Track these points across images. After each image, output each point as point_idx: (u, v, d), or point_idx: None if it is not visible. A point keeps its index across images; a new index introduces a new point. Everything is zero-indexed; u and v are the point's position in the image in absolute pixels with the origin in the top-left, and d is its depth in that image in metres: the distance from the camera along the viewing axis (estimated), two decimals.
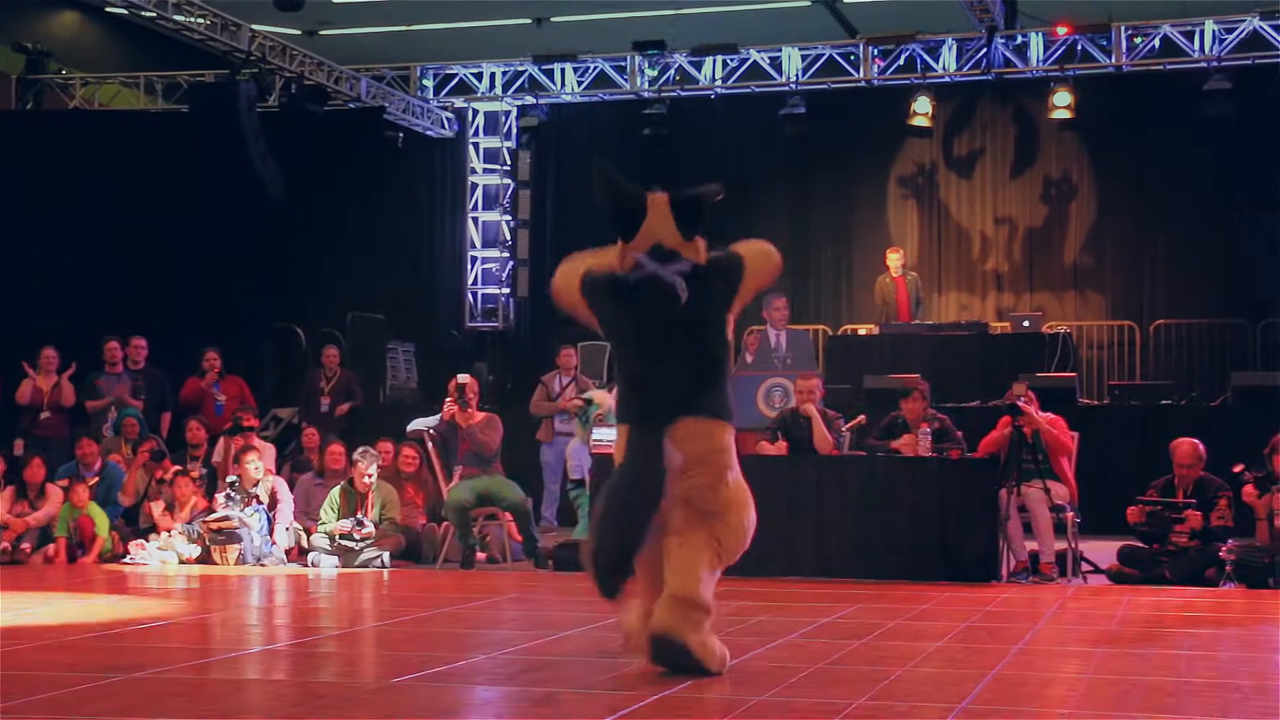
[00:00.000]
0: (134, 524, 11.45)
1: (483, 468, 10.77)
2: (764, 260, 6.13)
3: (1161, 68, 16.66)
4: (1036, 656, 6.28)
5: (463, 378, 11.01)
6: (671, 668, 5.56)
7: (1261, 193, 16.58)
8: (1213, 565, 9.19)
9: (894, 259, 15.98)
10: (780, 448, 10.27)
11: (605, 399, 11.16)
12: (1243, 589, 8.96)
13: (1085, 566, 9.78)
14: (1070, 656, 6.31)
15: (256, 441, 11.93)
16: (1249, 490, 9.30)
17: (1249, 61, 16.27)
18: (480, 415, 10.96)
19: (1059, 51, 16.71)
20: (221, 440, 12.27)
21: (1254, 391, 13.01)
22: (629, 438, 5.84)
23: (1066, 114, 16.78)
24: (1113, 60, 16.65)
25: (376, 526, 10.70)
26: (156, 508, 11.26)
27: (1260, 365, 14.97)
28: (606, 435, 10.55)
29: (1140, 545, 9.62)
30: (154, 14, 15.25)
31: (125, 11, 16.34)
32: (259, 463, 11.22)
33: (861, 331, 16.72)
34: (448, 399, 10.89)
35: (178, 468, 11.61)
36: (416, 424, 11.39)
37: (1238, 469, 9.42)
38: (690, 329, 5.84)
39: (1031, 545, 9.69)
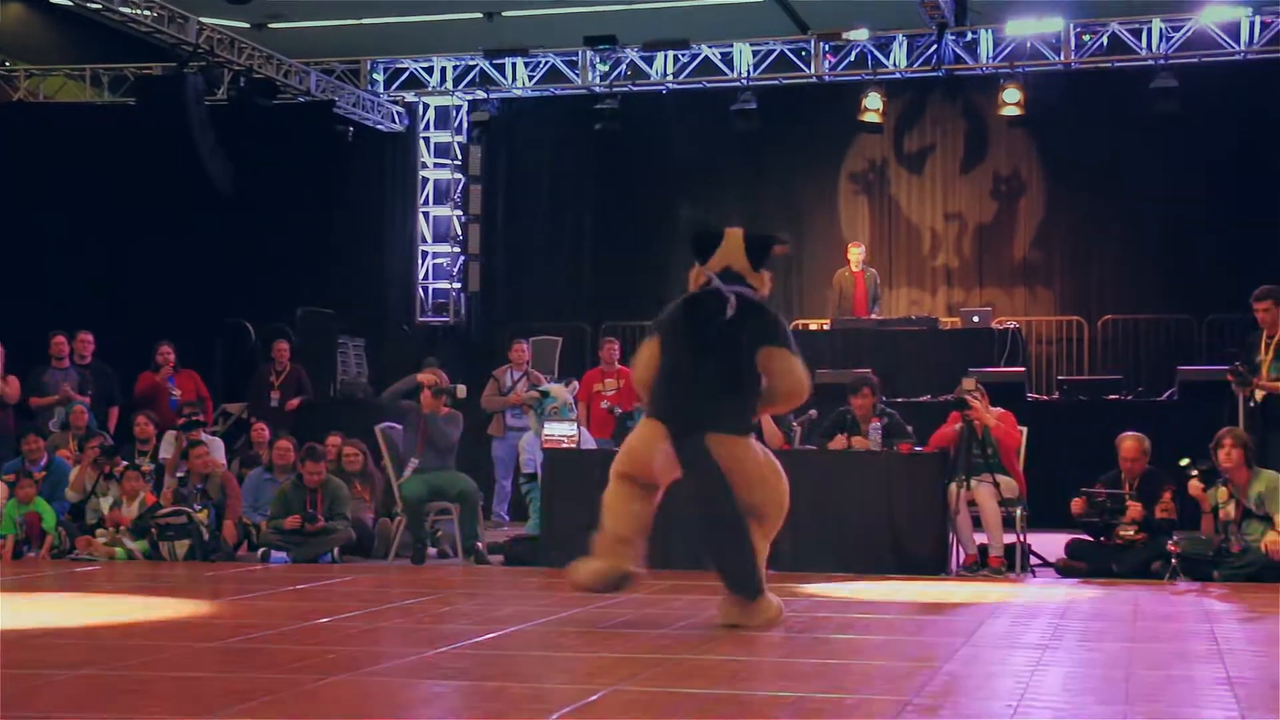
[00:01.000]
0: (81, 519, 11.34)
1: (439, 462, 10.72)
2: (791, 384, 6.78)
3: (1109, 65, 16.81)
4: (985, 650, 6.32)
5: (432, 374, 10.93)
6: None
7: (1207, 189, 16.78)
8: (1158, 559, 9.28)
9: (855, 253, 16.06)
10: None
11: (561, 392, 11.16)
12: (1188, 582, 9.05)
13: (1034, 560, 9.85)
14: (1019, 649, 6.36)
15: (205, 436, 11.85)
16: (1194, 484, 9.39)
17: (1195, 59, 16.44)
18: (445, 410, 10.91)
19: (1008, 49, 16.82)
20: (170, 435, 12.19)
21: (1200, 386, 13.14)
22: (666, 437, 6.59)
23: (1016, 110, 16.92)
24: (1061, 58, 16.78)
25: (326, 521, 10.65)
26: (104, 503, 11.16)
27: (1206, 360, 15.12)
28: (558, 430, 10.55)
29: (1088, 539, 9.71)
30: (100, 5, 15.14)
31: (71, 3, 16.21)
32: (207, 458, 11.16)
33: (813, 326, 16.76)
34: (424, 388, 10.73)
35: (126, 463, 11.52)
36: (396, 388, 11.19)
37: (1184, 463, 9.51)
38: (728, 343, 6.60)
39: (981, 539, 9.76)
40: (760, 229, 7.29)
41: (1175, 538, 9.36)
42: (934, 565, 9.57)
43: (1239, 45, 16.37)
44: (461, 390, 11.04)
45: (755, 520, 6.66)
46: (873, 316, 15.78)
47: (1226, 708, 4.85)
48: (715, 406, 6.60)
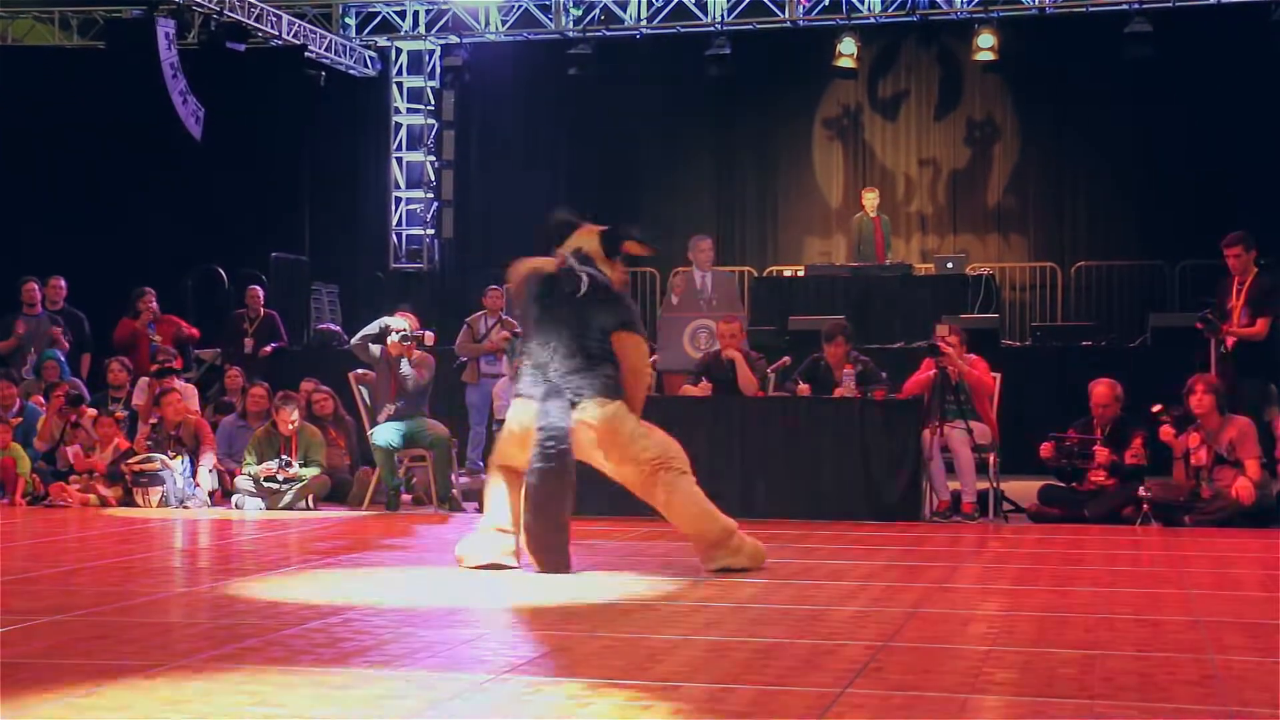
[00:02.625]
0: (54, 465, 11.31)
1: (412, 409, 10.67)
2: (635, 366, 7.09)
3: (1084, 10, 16.78)
4: (959, 594, 6.37)
5: (404, 323, 10.83)
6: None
7: (1181, 135, 16.78)
8: (1130, 504, 9.35)
9: (869, 198, 16.04)
10: (704, 389, 10.31)
11: None
12: (1159, 527, 9.12)
13: (1006, 506, 9.91)
14: (992, 594, 6.41)
15: (178, 383, 11.81)
16: (1166, 430, 9.44)
17: (1170, 4, 16.42)
18: (416, 353, 10.85)
19: None
20: (143, 381, 12.14)
21: (1172, 333, 13.19)
22: (530, 414, 6.88)
23: (990, 56, 16.88)
24: (1036, 2, 16.74)
25: (301, 468, 10.64)
26: (72, 452, 11.12)
27: (1178, 307, 15.18)
28: None
29: (1060, 484, 9.77)
30: None
31: None
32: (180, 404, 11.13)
33: (786, 273, 16.78)
34: (396, 333, 10.63)
35: (94, 411, 11.47)
36: (364, 333, 11.01)
37: (1156, 409, 9.56)
38: (579, 318, 6.96)
39: (954, 485, 9.81)
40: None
41: (1147, 483, 9.43)
42: (907, 511, 9.62)
43: None
44: (429, 337, 10.95)
45: (669, 471, 6.90)
46: (887, 261, 15.76)
47: (1197, 650, 4.90)
48: (579, 377, 6.89)
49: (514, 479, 7.05)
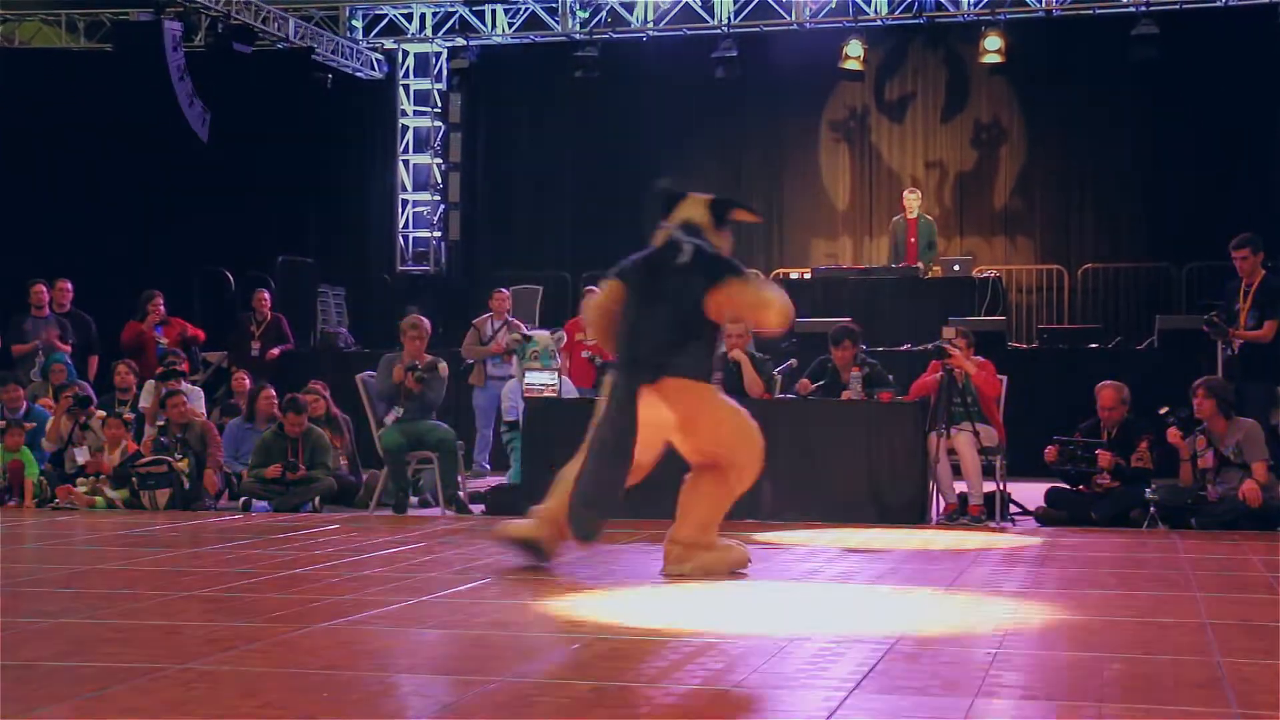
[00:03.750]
0: (61, 468, 11.32)
1: (420, 413, 10.68)
2: (748, 301, 6.84)
3: (1091, 12, 16.78)
4: (965, 597, 6.36)
5: (414, 322, 10.82)
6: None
7: (1188, 137, 16.77)
8: (1137, 507, 9.34)
9: (910, 199, 15.95)
10: None
11: (544, 338, 11.13)
12: (1166, 530, 9.11)
13: (1013, 509, 9.90)
14: (998, 598, 6.40)
15: (185, 386, 11.82)
16: (1173, 432, 9.44)
17: (1176, 6, 16.41)
18: (427, 357, 10.84)
19: None
20: (149, 384, 12.15)
21: (1179, 335, 13.19)
22: (613, 380, 6.72)
23: (997, 58, 16.88)
24: (1043, 5, 16.74)
25: (308, 470, 10.64)
26: (81, 454, 11.14)
27: (1185, 309, 15.17)
28: (539, 379, 10.55)
29: (1066, 487, 9.76)
30: None
31: None
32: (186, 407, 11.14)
33: (793, 275, 16.77)
34: (401, 361, 10.61)
35: (102, 413, 11.48)
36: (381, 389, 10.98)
37: (1163, 411, 9.55)
38: (682, 291, 6.67)
39: (961, 488, 9.80)
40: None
41: (1154, 486, 9.42)
42: (914, 514, 9.62)
43: None
44: (443, 368, 10.92)
45: (720, 470, 6.76)
46: (920, 265, 15.65)
47: (1203, 653, 4.89)
48: (669, 353, 6.67)
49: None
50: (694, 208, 7.00)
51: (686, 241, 6.79)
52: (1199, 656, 4.85)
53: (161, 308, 13.58)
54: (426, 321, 11.02)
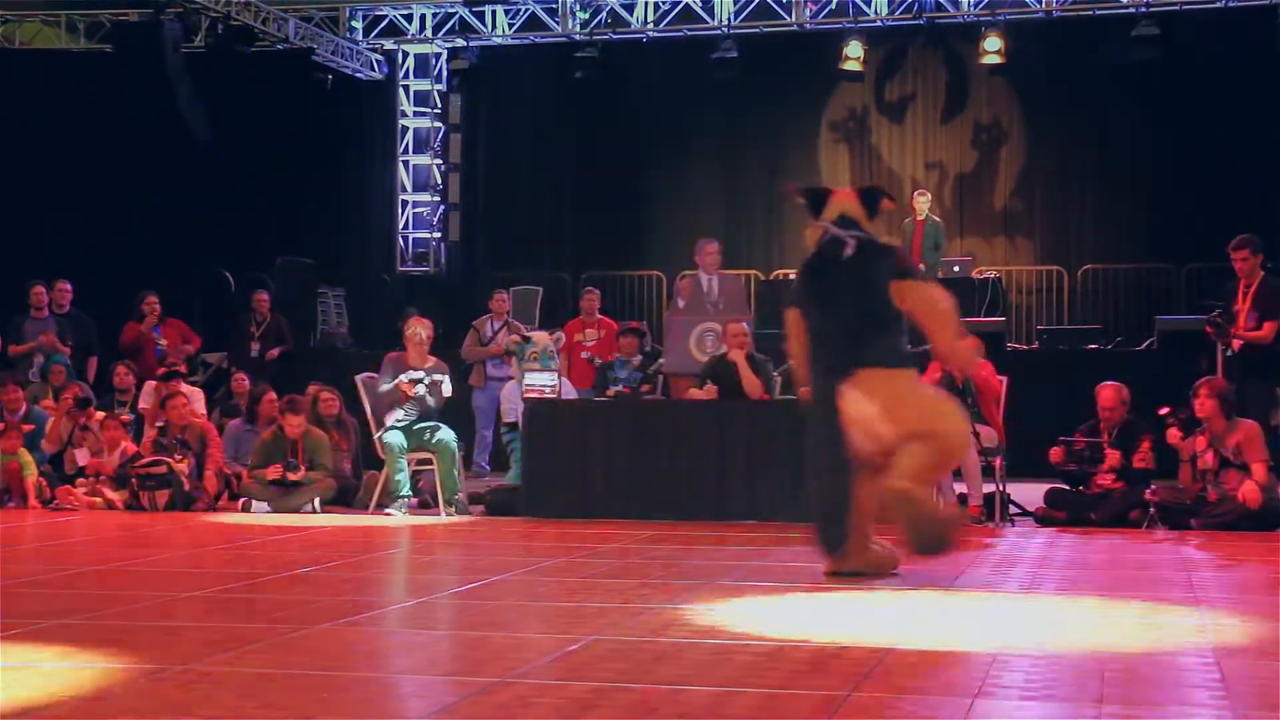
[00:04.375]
0: (60, 470, 11.32)
1: (422, 417, 10.66)
2: (932, 311, 6.79)
3: (1091, 13, 16.78)
4: (965, 597, 6.36)
5: (417, 330, 10.78)
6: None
7: (1188, 138, 16.77)
8: (1137, 507, 9.33)
9: (920, 201, 15.86)
10: (710, 392, 10.30)
11: (544, 339, 11.12)
12: (1166, 530, 9.11)
13: (1013, 509, 9.89)
14: (998, 598, 6.40)
15: (185, 386, 11.82)
16: (1173, 433, 9.43)
17: (1176, 7, 16.41)
18: (432, 360, 10.81)
19: None
20: (149, 385, 12.16)
21: (1179, 336, 13.18)
22: (814, 383, 6.80)
23: (997, 59, 16.88)
24: (1043, 6, 16.74)
25: (307, 472, 10.64)
26: (81, 455, 11.14)
27: (1185, 310, 15.16)
28: (539, 380, 10.54)
29: (1066, 488, 9.75)
30: None
31: None
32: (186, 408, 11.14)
33: (793, 276, 16.74)
34: (403, 376, 10.58)
35: (102, 414, 11.48)
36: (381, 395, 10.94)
37: (1163, 412, 9.55)
38: (856, 283, 6.69)
39: (960, 488, 9.79)
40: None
41: (1153, 487, 9.42)
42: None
43: None
44: (447, 388, 10.87)
45: (924, 441, 6.49)
46: (923, 266, 15.58)
47: (1201, 652, 4.89)
48: (861, 345, 6.65)
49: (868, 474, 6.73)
50: (845, 202, 6.99)
51: (846, 235, 6.77)
52: (1199, 659, 4.85)
53: (157, 307, 13.58)
54: (429, 327, 10.95)
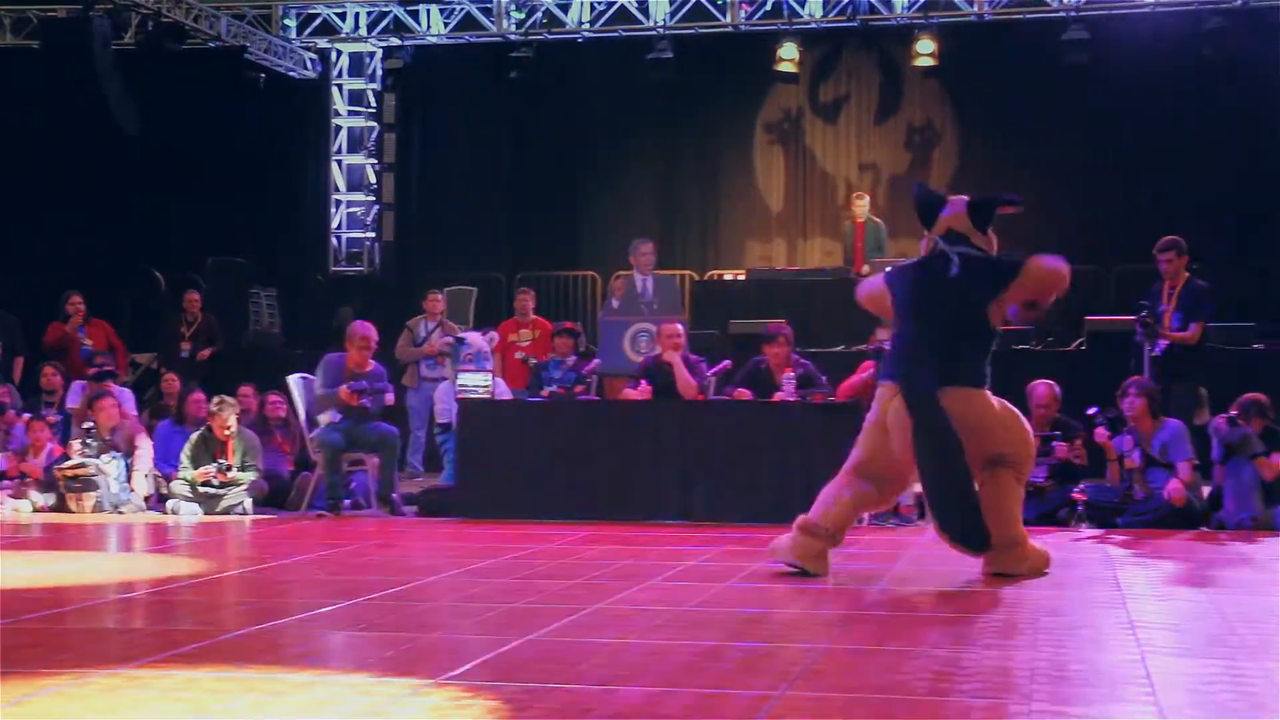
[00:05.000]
0: None
1: (360, 421, 10.60)
2: (1047, 275, 6.97)
3: (1021, 16, 16.92)
4: (895, 596, 6.40)
5: (362, 334, 10.72)
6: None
7: (1117, 141, 16.96)
8: (1065, 506, 9.44)
9: (859, 204, 15.92)
10: (644, 392, 10.31)
11: (478, 339, 11.10)
12: (1093, 529, 9.21)
13: None
14: (930, 596, 6.45)
15: (113, 387, 11.69)
16: (1101, 432, 9.54)
17: (1106, 11, 16.60)
18: (371, 364, 10.76)
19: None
20: (77, 385, 12.02)
21: (1108, 336, 13.31)
22: (898, 395, 6.78)
23: (930, 61, 17.00)
24: (975, 8, 16.87)
25: (238, 473, 10.55)
26: (4, 456, 10.99)
27: (1114, 310, 15.31)
28: (472, 380, 10.51)
29: None
30: None
31: None
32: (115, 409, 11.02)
33: (727, 277, 16.82)
34: (345, 386, 10.52)
35: (25, 417, 11.34)
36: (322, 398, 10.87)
37: (1091, 411, 9.66)
38: (957, 300, 6.82)
39: None
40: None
41: (1081, 485, 9.52)
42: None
43: None
44: (389, 398, 10.86)
45: (1007, 467, 6.86)
46: (864, 270, 15.62)
47: (1128, 650, 4.95)
48: (944, 363, 6.78)
49: (857, 484, 6.96)
50: (954, 217, 7.04)
51: (953, 252, 6.87)
52: (1126, 656, 4.90)
53: (82, 307, 13.42)
54: (374, 331, 10.91)
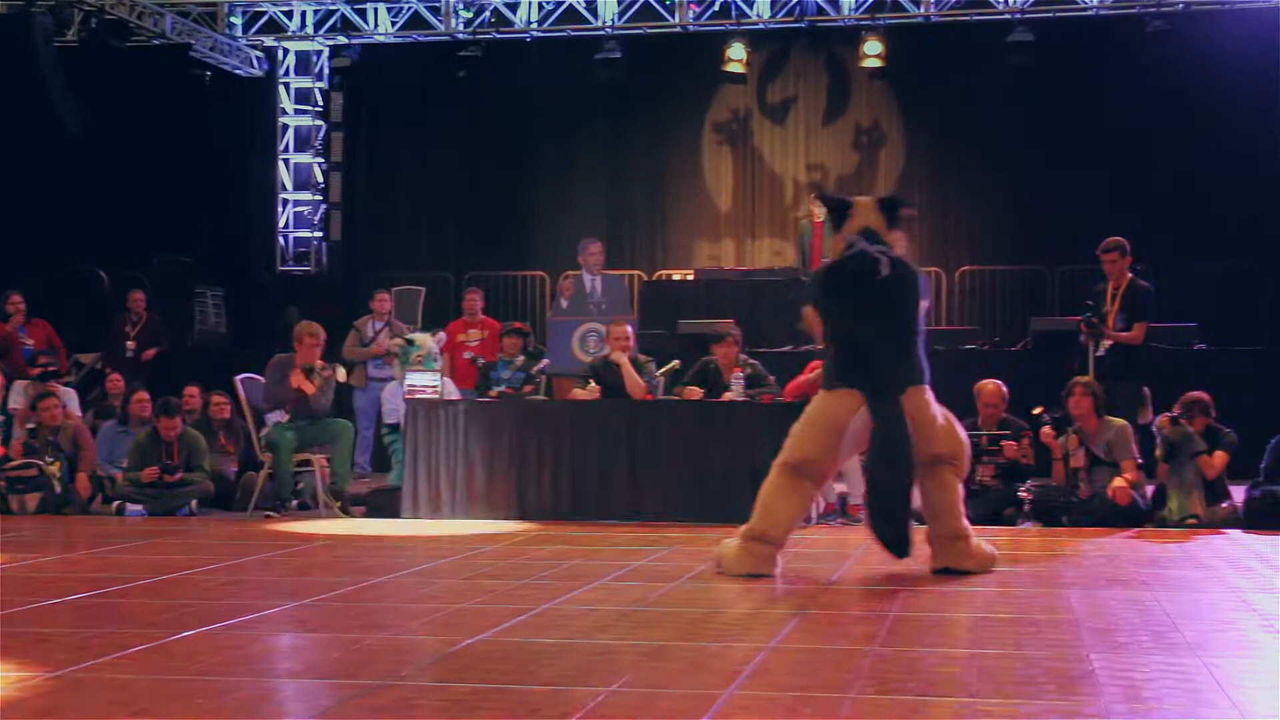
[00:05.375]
0: None
1: (310, 420, 10.55)
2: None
3: (967, 19, 17.03)
4: (843, 595, 6.44)
5: (311, 329, 10.69)
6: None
7: (1061, 143, 17.10)
8: (1011, 505, 9.51)
9: (818, 206, 15.89)
10: (593, 392, 10.32)
11: (427, 341, 11.07)
12: (1039, 527, 9.28)
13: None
14: (877, 594, 6.48)
15: (58, 387, 11.59)
16: (1046, 431, 9.63)
17: (1050, 14, 16.73)
18: (321, 363, 10.71)
19: (870, 1, 17.00)
20: (19, 385, 11.90)
21: (1052, 336, 13.43)
22: (851, 409, 6.83)
23: (877, 63, 17.07)
24: (921, 10, 16.97)
25: (184, 473, 10.48)
26: None
27: (1059, 311, 15.45)
28: (421, 380, 10.49)
29: None
30: None
31: None
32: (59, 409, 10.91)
33: (676, 277, 16.84)
34: (295, 366, 10.47)
35: None
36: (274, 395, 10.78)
37: (1037, 411, 9.74)
38: (891, 300, 6.87)
39: (840, 488, 9.89)
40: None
41: (1028, 484, 9.60)
42: None
43: (1093, 1, 16.71)
44: (341, 373, 10.88)
45: (947, 465, 6.98)
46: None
47: (1071, 646, 4.99)
48: (898, 362, 6.87)
49: (802, 485, 7.00)
50: (867, 214, 7.08)
51: (878, 252, 6.87)
52: (1063, 649, 4.95)
53: (22, 306, 13.29)
54: (321, 329, 10.88)
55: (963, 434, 7.17)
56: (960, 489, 7.12)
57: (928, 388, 7.02)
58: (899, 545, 6.85)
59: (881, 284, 6.83)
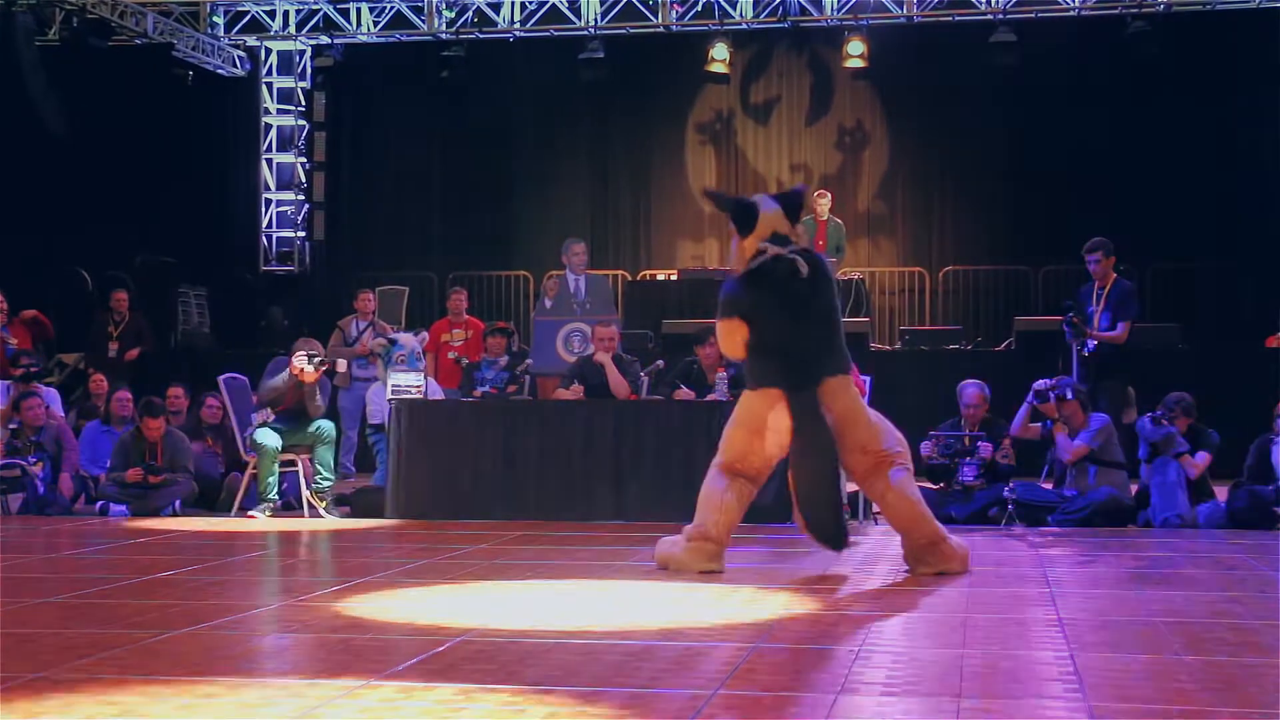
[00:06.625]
0: None
1: (296, 423, 10.53)
2: None
3: (950, 19, 17.07)
4: (827, 595, 6.44)
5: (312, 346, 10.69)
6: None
7: (1044, 143, 17.15)
8: (995, 505, 9.53)
9: (822, 203, 15.92)
10: (576, 392, 10.32)
11: (410, 341, 11.05)
12: (1023, 527, 9.30)
13: (875, 508, 10.00)
14: (860, 595, 6.49)
15: (40, 387, 11.54)
16: (1049, 408, 9.65)
17: (1032, 15, 16.78)
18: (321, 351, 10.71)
19: (853, 1, 17.03)
20: (2, 385, 11.85)
21: (1036, 336, 13.48)
22: (781, 400, 6.86)
23: (860, 63, 17.11)
24: (904, 10, 17.00)
25: (168, 474, 10.45)
26: None
27: (1042, 311, 15.50)
28: (405, 379, 10.47)
29: (931, 485, 9.91)
30: None
31: None
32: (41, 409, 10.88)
33: (660, 276, 16.85)
34: (297, 355, 10.45)
35: None
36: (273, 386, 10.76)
37: (1041, 385, 9.76)
38: (813, 296, 6.94)
39: (851, 487, 9.88)
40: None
41: (1011, 484, 9.62)
42: (779, 514, 9.66)
43: (1074, 2, 16.77)
44: (342, 365, 10.89)
45: (898, 467, 7.01)
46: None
47: (1056, 647, 5.00)
48: (825, 355, 6.94)
49: (737, 483, 7.05)
50: (774, 218, 7.05)
51: (792, 253, 6.91)
52: (1054, 651, 4.96)
53: (4, 305, 13.23)
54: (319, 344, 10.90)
55: (895, 430, 7.16)
56: (917, 490, 7.15)
57: (850, 376, 7.08)
58: (834, 539, 6.96)
59: (803, 283, 6.90)
